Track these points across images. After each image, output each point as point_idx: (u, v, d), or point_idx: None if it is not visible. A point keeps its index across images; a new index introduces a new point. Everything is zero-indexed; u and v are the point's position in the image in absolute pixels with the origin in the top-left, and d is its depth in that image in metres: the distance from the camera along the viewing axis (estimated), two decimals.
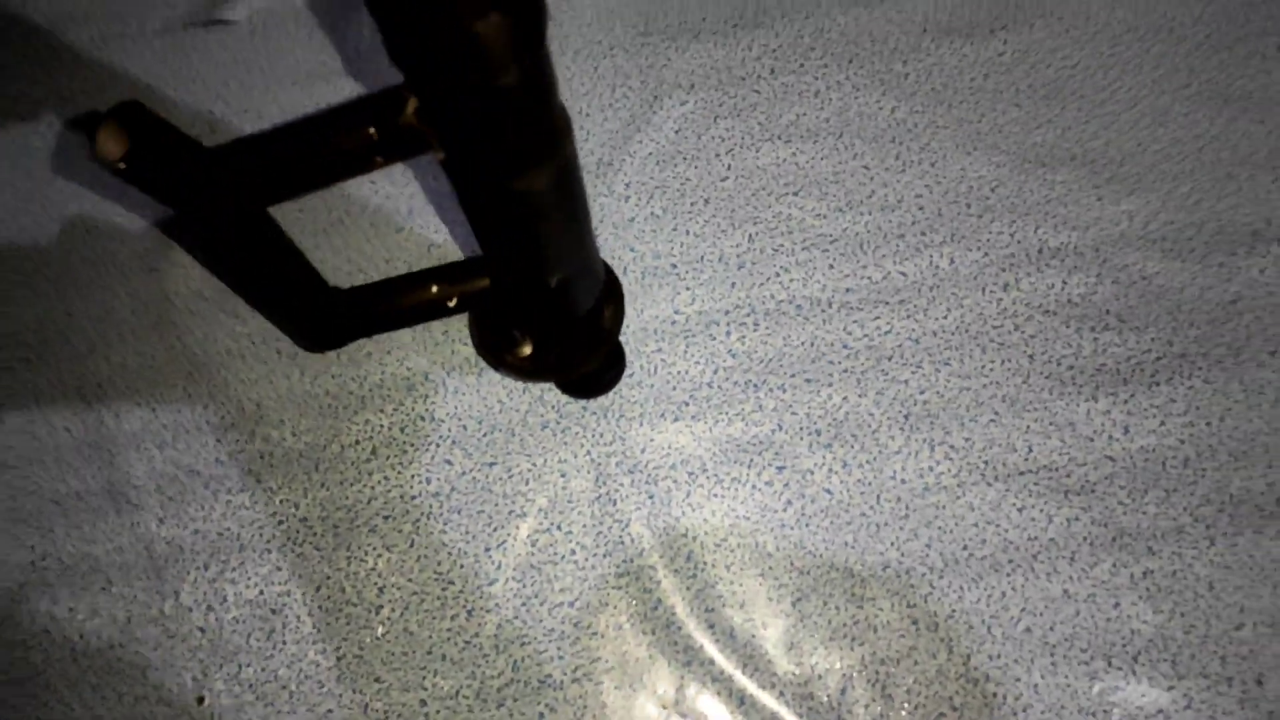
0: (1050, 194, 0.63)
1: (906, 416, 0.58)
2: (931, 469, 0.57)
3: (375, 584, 0.57)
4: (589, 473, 0.58)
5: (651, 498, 0.58)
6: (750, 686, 0.54)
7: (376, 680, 0.55)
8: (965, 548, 0.56)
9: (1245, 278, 0.60)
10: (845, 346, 0.60)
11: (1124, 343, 0.59)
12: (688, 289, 0.62)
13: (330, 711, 0.55)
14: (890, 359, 0.60)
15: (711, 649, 0.54)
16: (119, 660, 0.56)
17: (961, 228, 0.63)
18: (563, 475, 0.58)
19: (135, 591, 0.58)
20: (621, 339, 0.60)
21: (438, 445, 0.60)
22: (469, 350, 0.61)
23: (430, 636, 0.56)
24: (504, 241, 0.41)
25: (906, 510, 0.56)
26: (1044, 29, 0.68)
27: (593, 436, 0.59)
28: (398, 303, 0.47)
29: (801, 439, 0.58)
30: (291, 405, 0.61)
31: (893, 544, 0.56)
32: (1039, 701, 0.53)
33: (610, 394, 0.60)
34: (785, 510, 0.57)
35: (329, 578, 0.57)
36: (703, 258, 0.63)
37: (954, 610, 0.54)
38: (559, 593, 0.56)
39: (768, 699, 0.53)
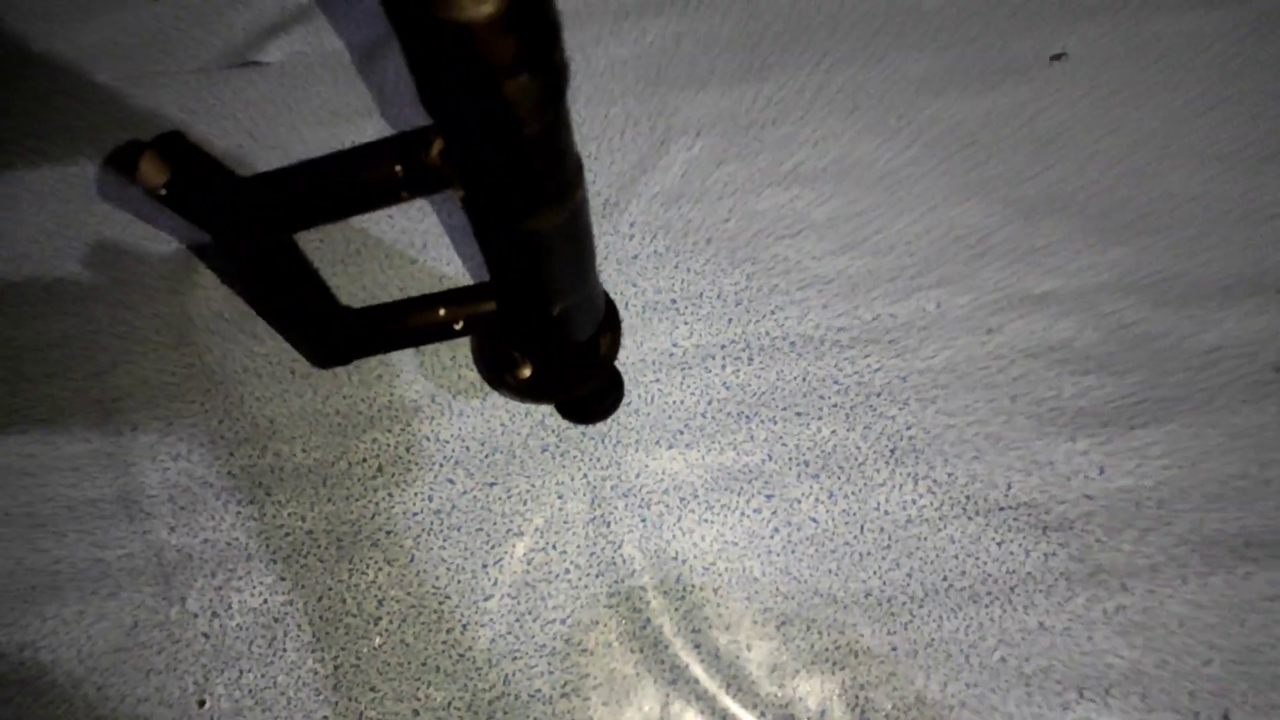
0: (1037, 243, 0.66)
1: (892, 451, 0.61)
2: (914, 502, 0.59)
3: (375, 596, 0.59)
4: (585, 495, 0.61)
5: (644, 521, 0.60)
6: (733, 706, 0.55)
7: (372, 689, 0.57)
8: (945, 579, 0.57)
9: (1222, 329, 0.62)
10: (836, 382, 0.63)
11: (1104, 387, 0.61)
12: (686, 324, 0.65)
13: (326, 718, 0.56)
14: (879, 395, 0.62)
15: (697, 669, 0.56)
16: (123, 663, 0.58)
17: (951, 272, 0.66)
18: (560, 497, 0.61)
19: (143, 597, 0.60)
20: (621, 369, 0.63)
21: (441, 465, 0.62)
22: (474, 375, 0.64)
23: (426, 649, 0.58)
24: (513, 273, 0.43)
25: (889, 541, 0.58)
26: (1033, 90, 0.71)
27: (590, 461, 0.61)
28: (406, 323, 0.49)
29: (790, 469, 0.61)
30: (303, 423, 0.63)
31: (875, 573, 0.58)
32: None
33: (608, 421, 0.62)
34: (773, 537, 0.59)
35: (330, 589, 0.59)
36: (702, 294, 0.66)
37: (933, 639, 0.56)
38: (551, 610, 0.58)
39: (750, 719, 0.55)
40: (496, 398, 0.63)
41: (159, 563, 0.61)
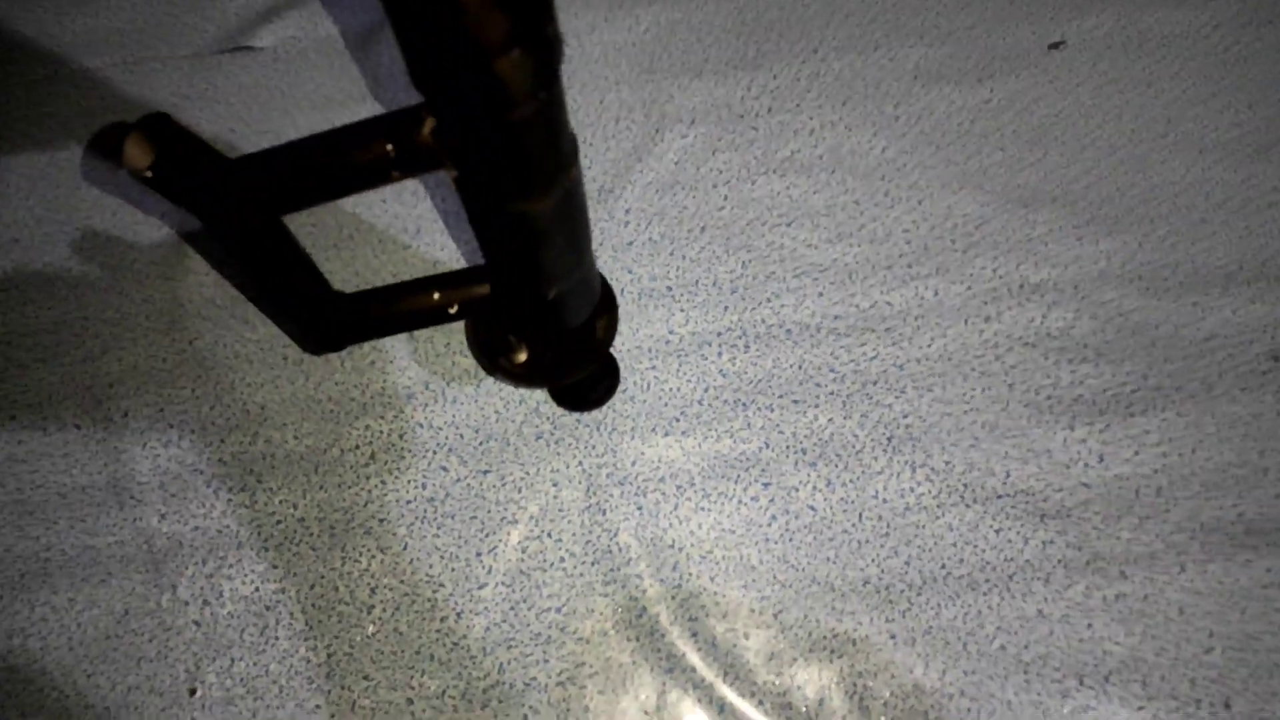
0: (1033, 232, 0.66)
1: (889, 439, 0.60)
2: (912, 490, 0.59)
3: (368, 584, 0.58)
4: (580, 483, 0.60)
5: (640, 509, 0.59)
6: (730, 695, 0.55)
7: (365, 678, 0.56)
8: (943, 566, 0.57)
9: (1218, 317, 0.62)
10: (832, 370, 0.62)
11: (1101, 375, 0.61)
12: (682, 311, 0.65)
13: (318, 707, 0.56)
14: (875, 383, 0.62)
15: (694, 657, 0.56)
16: (114, 650, 0.58)
17: (947, 261, 0.65)
18: (554, 485, 0.60)
19: (134, 584, 0.59)
20: (616, 356, 0.63)
21: (434, 452, 0.61)
22: (468, 362, 0.64)
23: (419, 637, 0.57)
24: (507, 256, 0.43)
25: (887, 529, 0.58)
26: (1029, 79, 0.71)
27: (585, 448, 0.61)
28: (399, 307, 0.49)
29: (787, 457, 0.60)
30: (295, 409, 0.63)
31: (873, 561, 0.57)
32: (1012, 717, 0.54)
33: (603, 408, 0.62)
34: (770, 525, 0.59)
35: (323, 577, 0.59)
36: (698, 282, 0.66)
37: (931, 626, 0.56)
38: (547, 598, 0.58)
39: (747, 708, 0.55)
40: (490, 384, 0.63)
41: (149, 550, 0.60)
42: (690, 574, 0.58)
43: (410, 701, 0.56)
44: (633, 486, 0.60)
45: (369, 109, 0.73)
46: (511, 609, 0.57)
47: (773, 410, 0.62)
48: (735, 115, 0.72)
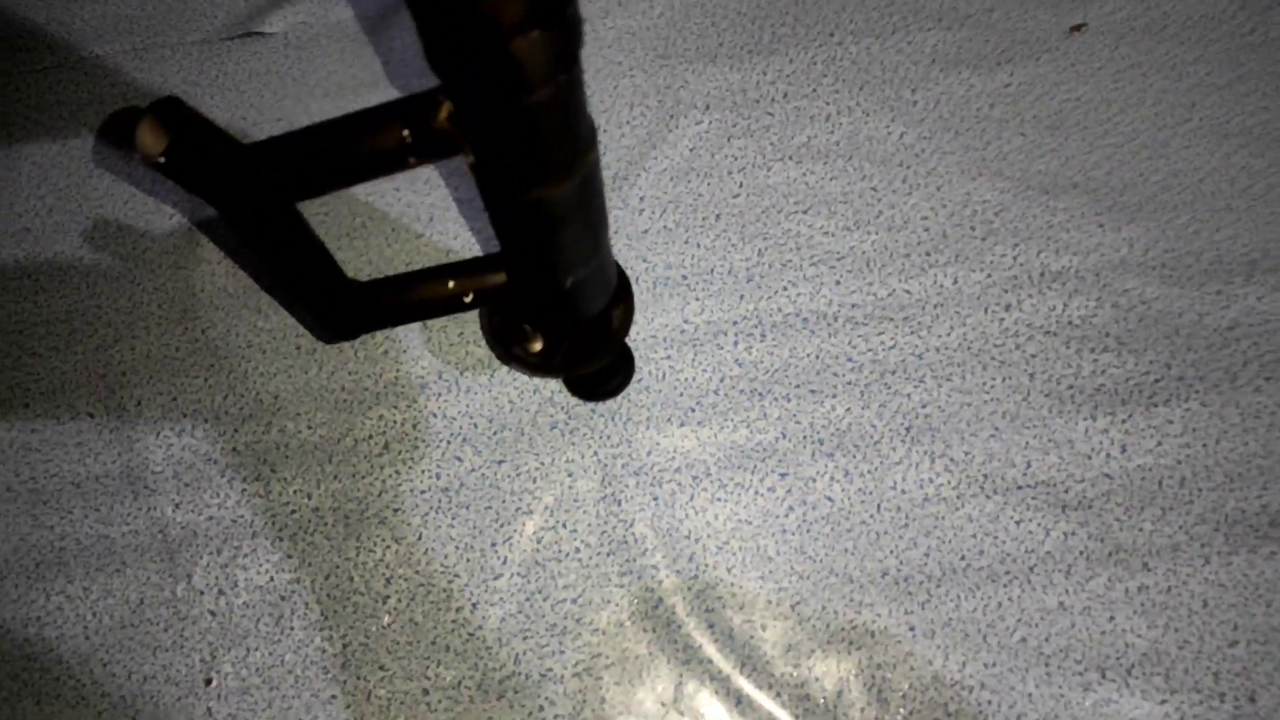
0: (1053, 220, 0.65)
1: (908, 429, 0.60)
2: (931, 480, 0.58)
3: (383, 574, 0.58)
4: (595, 473, 0.60)
5: (656, 499, 0.59)
6: (748, 687, 0.55)
7: (381, 668, 0.56)
8: (963, 558, 0.56)
9: (1242, 305, 0.61)
10: (850, 360, 0.62)
11: (1123, 365, 0.61)
12: (697, 299, 0.64)
13: (334, 698, 0.56)
14: (893, 373, 0.61)
15: (710, 649, 0.55)
16: (130, 640, 0.58)
17: (966, 249, 0.64)
18: (570, 475, 0.60)
19: (148, 574, 0.59)
20: (631, 346, 0.62)
21: (448, 442, 0.61)
22: (482, 351, 0.63)
23: (435, 627, 0.57)
24: (524, 243, 0.42)
25: (906, 520, 0.58)
26: (1049, 63, 0.70)
27: (600, 438, 0.60)
28: (414, 296, 0.48)
29: (805, 447, 0.60)
30: (308, 398, 0.63)
31: (892, 552, 0.57)
32: (1032, 711, 0.53)
33: (619, 398, 0.61)
34: (787, 516, 0.58)
35: (338, 567, 0.58)
36: (713, 270, 0.65)
37: (950, 619, 0.55)
38: (562, 589, 0.57)
39: (765, 700, 0.54)
40: (504, 374, 0.62)
41: (164, 539, 0.60)
42: (707, 565, 0.57)
43: (426, 692, 0.56)
44: (648, 477, 0.59)
45: (382, 95, 0.72)
46: (527, 600, 0.57)
47: (789, 400, 0.61)
48: (750, 101, 0.71)
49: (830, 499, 0.58)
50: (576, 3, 0.29)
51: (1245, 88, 0.67)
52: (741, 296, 0.64)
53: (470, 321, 0.64)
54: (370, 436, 0.61)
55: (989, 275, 0.64)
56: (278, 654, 0.57)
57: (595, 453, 0.60)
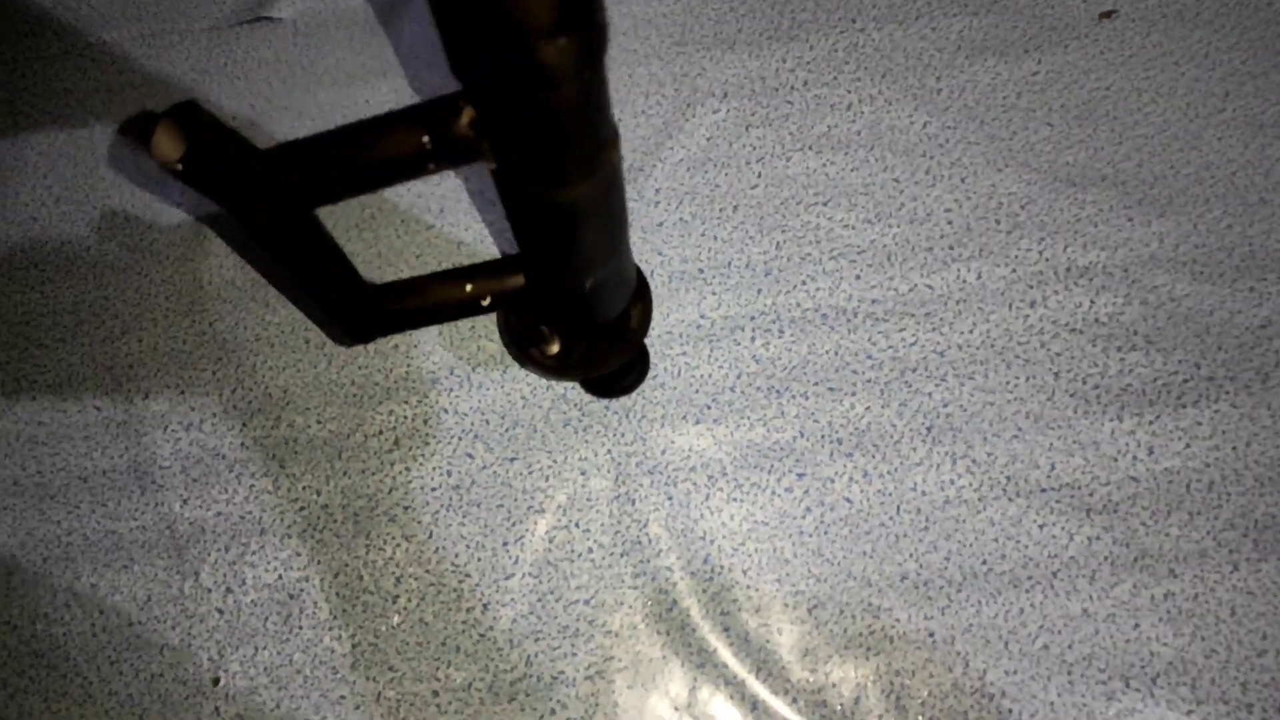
0: (1080, 213, 0.63)
1: (929, 429, 0.58)
2: (953, 482, 0.57)
3: (393, 573, 0.57)
4: (609, 472, 0.59)
5: (670, 499, 0.58)
6: (763, 692, 0.53)
7: (390, 669, 0.55)
8: (985, 562, 0.55)
9: (1275, 303, 0.60)
10: (869, 357, 0.60)
11: (1151, 364, 0.59)
12: (714, 294, 0.63)
13: (343, 698, 0.55)
14: (914, 371, 0.60)
15: (725, 653, 0.54)
16: (137, 637, 0.57)
17: (990, 243, 0.63)
18: (583, 473, 0.59)
19: (156, 570, 0.58)
20: (647, 342, 0.61)
21: (459, 438, 0.60)
22: (494, 346, 0.62)
23: (445, 628, 0.56)
24: (544, 245, 0.41)
25: (926, 522, 0.56)
26: (1078, 51, 0.68)
27: (614, 436, 0.59)
28: (431, 300, 0.47)
29: (823, 447, 0.58)
30: (317, 393, 0.62)
31: (911, 555, 0.56)
32: None
33: (633, 395, 0.60)
34: (804, 517, 0.57)
35: (347, 565, 0.58)
36: (730, 264, 0.64)
37: (971, 624, 0.54)
38: (575, 590, 0.56)
39: (780, 705, 0.53)
40: (517, 370, 0.61)
41: (172, 535, 0.59)
42: (722, 567, 0.56)
43: (436, 694, 0.55)
44: (663, 476, 0.58)
45: (393, 84, 0.71)
46: (539, 600, 0.56)
47: (808, 398, 0.60)
48: (769, 89, 0.69)
49: (849, 500, 0.57)
50: (604, 7, 0.28)
51: (1277, 78, 0.65)
52: (759, 291, 0.63)
53: (483, 316, 0.62)
54: (380, 432, 0.60)
55: (1014, 270, 0.62)
56: (286, 653, 0.56)
57: (609, 451, 0.59)
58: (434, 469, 0.59)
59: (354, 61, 0.72)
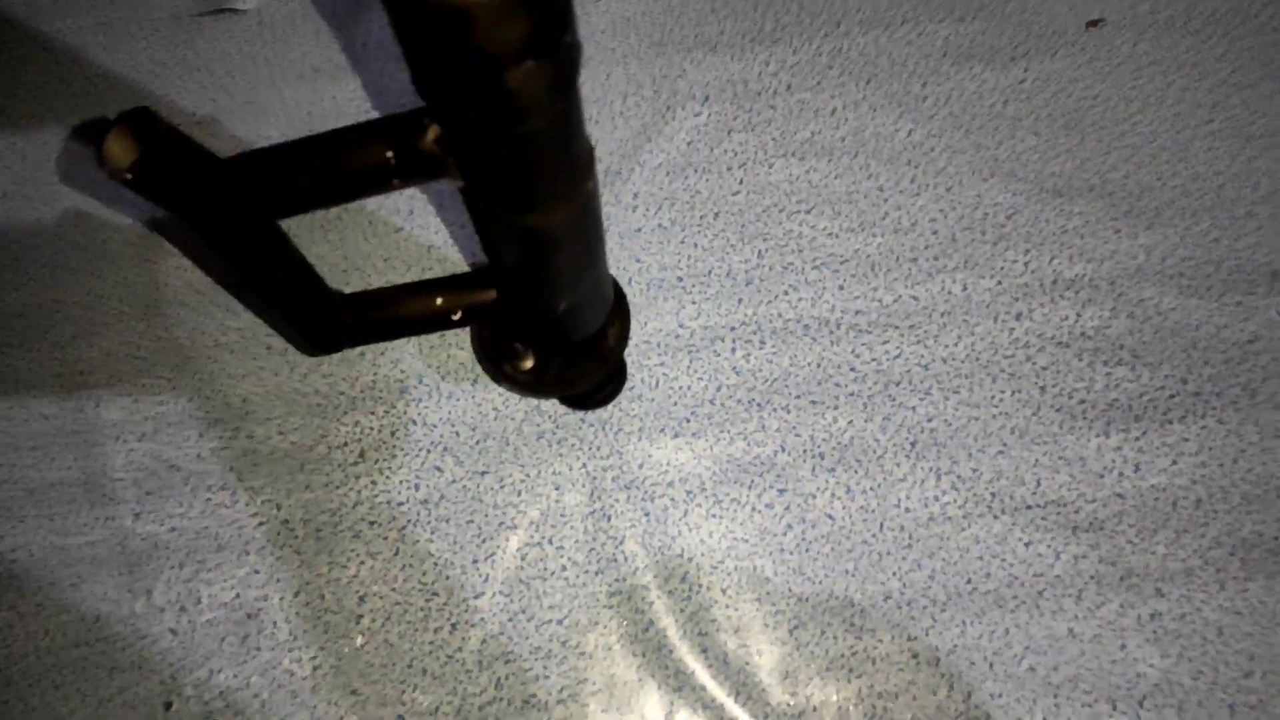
0: (1067, 224, 0.62)
1: (913, 444, 0.57)
2: (937, 499, 0.56)
3: (356, 592, 0.55)
4: (584, 486, 0.57)
5: (647, 515, 0.56)
6: (742, 715, 0.52)
7: (353, 693, 0.53)
8: (969, 581, 0.54)
9: (1263, 318, 0.59)
10: (852, 369, 0.59)
11: (1137, 378, 0.58)
12: (693, 303, 0.61)
13: None
14: (898, 384, 0.58)
15: (703, 675, 0.53)
16: (85, 660, 0.54)
17: (975, 254, 0.61)
18: (556, 488, 0.57)
19: (106, 589, 0.56)
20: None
21: (428, 451, 0.58)
22: (465, 355, 0.60)
23: (411, 649, 0.54)
24: (516, 268, 0.39)
25: (910, 540, 0.55)
26: (1065, 59, 0.67)
27: (589, 449, 0.57)
28: (401, 312, 0.45)
29: (804, 462, 0.57)
30: (279, 403, 0.59)
31: (895, 574, 0.54)
32: None
33: (609, 406, 0.58)
34: (785, 534, 0.55)
35: (309, 583, 0.55)
36: (710, 272, 0.62)
37: (955, 645, 0.53)
38: (548, 610, 0.54)
39: None
40: (488, 380, 0.59)
41: (124, 551, 0.56)
42: (700, 585, 0.54)
43: (401, 718, 0.52)
44: (640, 491, 0.56)
45: (359, 81, 0.68)
46: (510, 620, 0.54)
47: (789, 411, 0.58)
48: (752, 93, 0.67)
49: (831, 517, 0.55)
50: (575, 28, 0.26)
51: (1271, 87, 0.64)
52: (740, 300, 0.61)
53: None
54: (345, 444, 0.58)
55: (999, 282, 0.61)
56: (243, 676, 0.53)
57: (584, 465, 0.57)
58: (401, 483, 0.57)
59: (320, 56, 0.69)
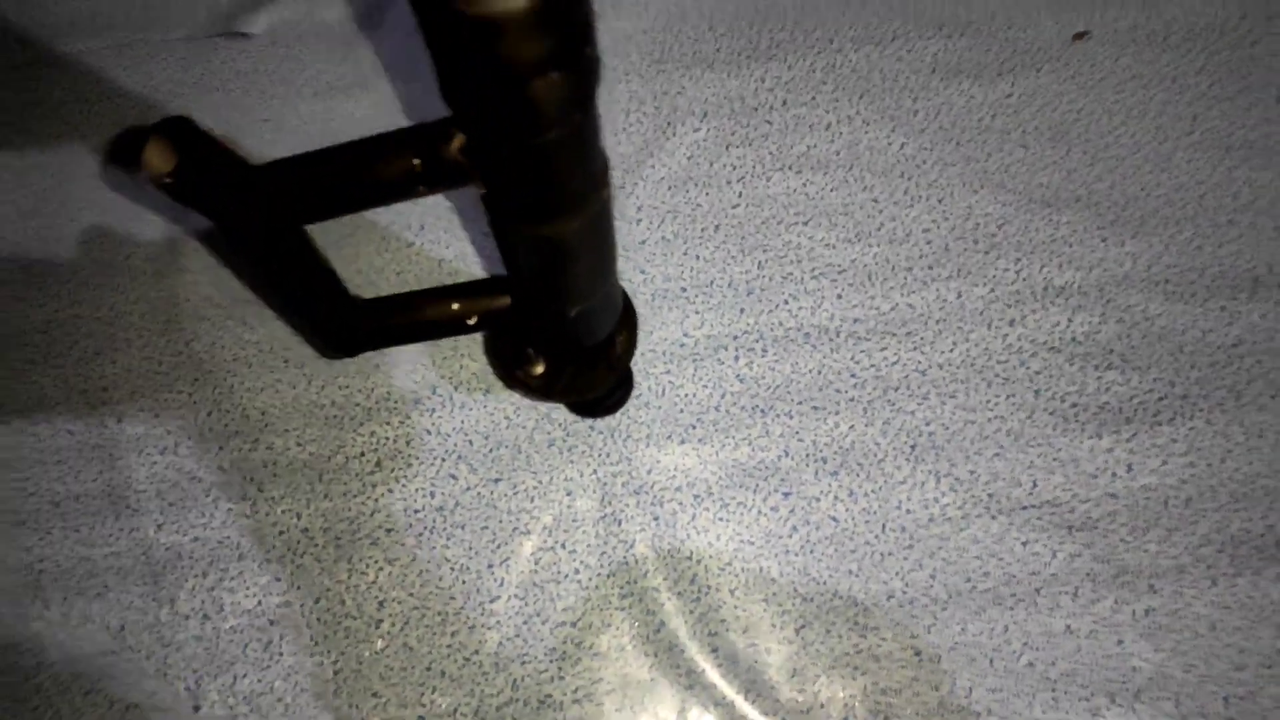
0: (1055, 234, 0.64)
1: (912, 447, 0.59)
2: (936, 500, 0.57)
3: (376, 597, 0.57)
4: (594, 492, 0.58)
5: (656, 519, 0.58)
6: (752, 713, 0.53)
7: (374, 695, 0.55)
8: (969, 580, 0.56)
9: (1246, 322, 0.61)
10: (852, 375, 0.61)
11: (1127, 382, 0.60)
12: (697, 313, 0.63)
13: None
14: (897, 389, 0.60)
15: (714, 673, 0.54)
16: (112, 667, 0.56)
17: (968, 263, 0.64)
18: (568, 494, 0.58)
19: (131, 598, 0.57)
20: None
21: (443, 459, 0.59)
22: (477, 366, 0.62)
23: (430, 652, 0.55)
24: (532, 274, 0.41)
25: (911, 540, 0.57)
26: (1050, 74, 0.69)
27: (599, 456, 0.59)
28: (418, 317, 0.47)
29: (808, 466, 0.59)
30: (297, 414, 0.61)
31: (897, 574, 0.56)
32: None
33: (618, 414, 0.60)
34: (790, 536, 0.57)
35: (329, 590, 0.57)
36: (712, 283, 0.64)
37: (956, 642, 0.54)
38: (561, 612, 0.56)
39: None
40: (500, 389, 0.61)
41: (147, 561, 0.58)
42: (709, 587, 0.56)
43: (421, 719, 0.54)
44: (649, 496, 0.58)
45: (371, 97, 0.70)
46: (525, 623, 0.56)
47: (792, 417, 0.60)
48: (749, 109, 0.70)
49: (834, 519, 0.57)
50: (596, 42, 0.28)
51: (1249, 100, 0.67)
52: (741, 310, 0.63)
53: (466, 335, 0.62)
54: (362, 454, 0.60)
55: (992, 290, 0.63)
56: (267, 681, 0.55)
57: (594, 471, 0.59)
58: (417, 490, 0.59)
59: (333, 73, 0.71)
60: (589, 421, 0.60)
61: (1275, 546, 0.55)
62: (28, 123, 0.71)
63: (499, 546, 0.57)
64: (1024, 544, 0.56)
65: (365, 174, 0.35)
